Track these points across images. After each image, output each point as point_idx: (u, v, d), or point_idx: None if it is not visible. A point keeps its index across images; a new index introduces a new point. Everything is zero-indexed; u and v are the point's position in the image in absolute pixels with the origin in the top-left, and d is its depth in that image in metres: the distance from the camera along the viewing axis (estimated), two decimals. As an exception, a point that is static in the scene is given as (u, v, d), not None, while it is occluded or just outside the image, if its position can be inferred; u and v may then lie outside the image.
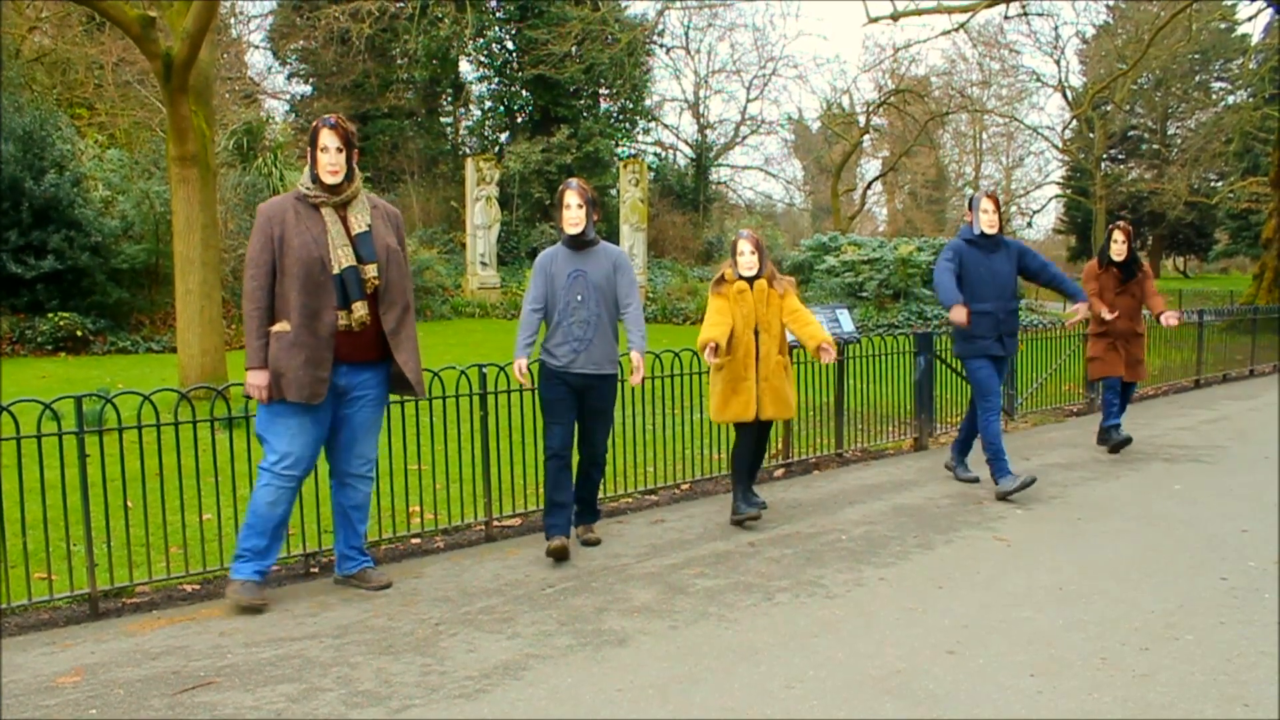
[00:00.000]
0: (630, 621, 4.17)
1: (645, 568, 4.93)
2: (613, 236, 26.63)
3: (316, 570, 4.99)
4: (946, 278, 6.35)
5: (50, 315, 14.84)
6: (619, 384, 5.48)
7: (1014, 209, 50.36)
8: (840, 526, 5.65)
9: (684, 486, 6.60)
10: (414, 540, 5.45)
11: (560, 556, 5.05)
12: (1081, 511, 5.92)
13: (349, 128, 4.48)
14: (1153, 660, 3.69)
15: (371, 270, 4.39)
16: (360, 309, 4.36)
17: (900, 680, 3.55)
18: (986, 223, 6.43)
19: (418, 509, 5.70)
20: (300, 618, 4.27)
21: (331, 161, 4.37)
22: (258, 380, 4.29)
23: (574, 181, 5.23)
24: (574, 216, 5.12)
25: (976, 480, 6.65)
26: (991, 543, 5.29)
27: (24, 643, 4.03)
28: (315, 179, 4.40)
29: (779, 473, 7.11)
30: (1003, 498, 6.21)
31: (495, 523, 5.66)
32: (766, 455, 7.20)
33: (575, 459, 5.38)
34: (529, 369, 5.29)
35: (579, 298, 5.11)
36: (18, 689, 3.55)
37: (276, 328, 4.30)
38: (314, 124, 4.46)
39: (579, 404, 5.23)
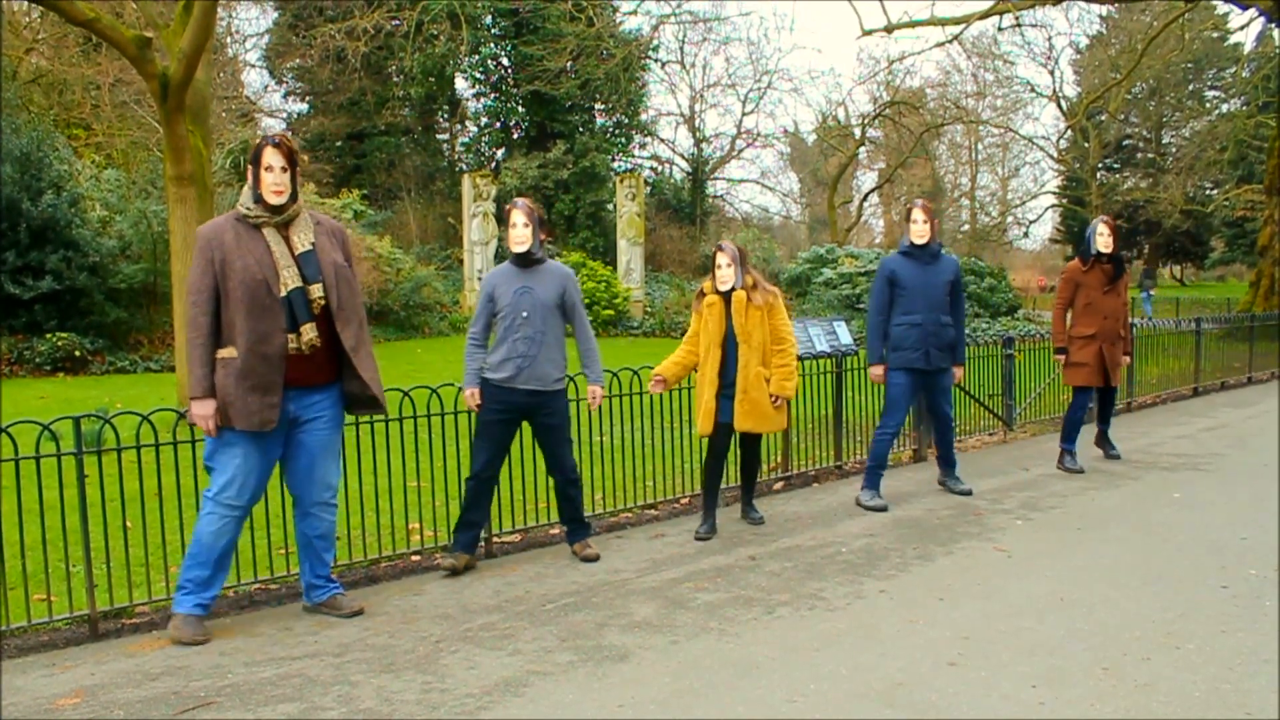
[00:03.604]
0: (631, 637, 4.16)
1: (645, 582, 4.92)
2: (610, 251, 26.69)
3: (316, 588, 4.98)
4: (874, 334, 6.49)
5: (48, 335, 14.85)
6: (576, 401, 5.48)
7: (1010, 219, 50.50)
8: (840, 539, 5.65)
9: (683, 501, 6.60)
10: (414, 557, 5.44)
11: (452, 574, 5.09)
12: (1081, 521, 5.92)
13: (293, 146, 4.31)
14: (1154, 669, 3.69)
15: (317, 290, 4.22)
16: (309, 331, 4.20)
17: (902, 692, 3.54)
18: (916, 233, 6.41)
19: (417, 526, 5.69)
20: (301, 636, 4.26)
21: (276, 181, 4.20)
22: (202, 410, 4.12)
23: (521, 201, 5.25)
24: (519, 235, 5.13)
25: (969, 492, 6.63)
26: (992, 553, 5.29)
27: (24, 665, 4.02)
28: (258, 199, 4.22)
29: (778, 485, 7.10)
30: (862, 504, 6.38)
31: (495, 539, 5.65)
32: (766, 467, 7.21)
33: (549, 479, 5.40)
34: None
35: (524, 314, 5.09)
36: (18, 711, 3.54)
37: (223, 354, 4.15)
38: (257, 142, 4.30)
39: (521, 425, 5.22)
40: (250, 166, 4.27)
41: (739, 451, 6.07)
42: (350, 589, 4.97)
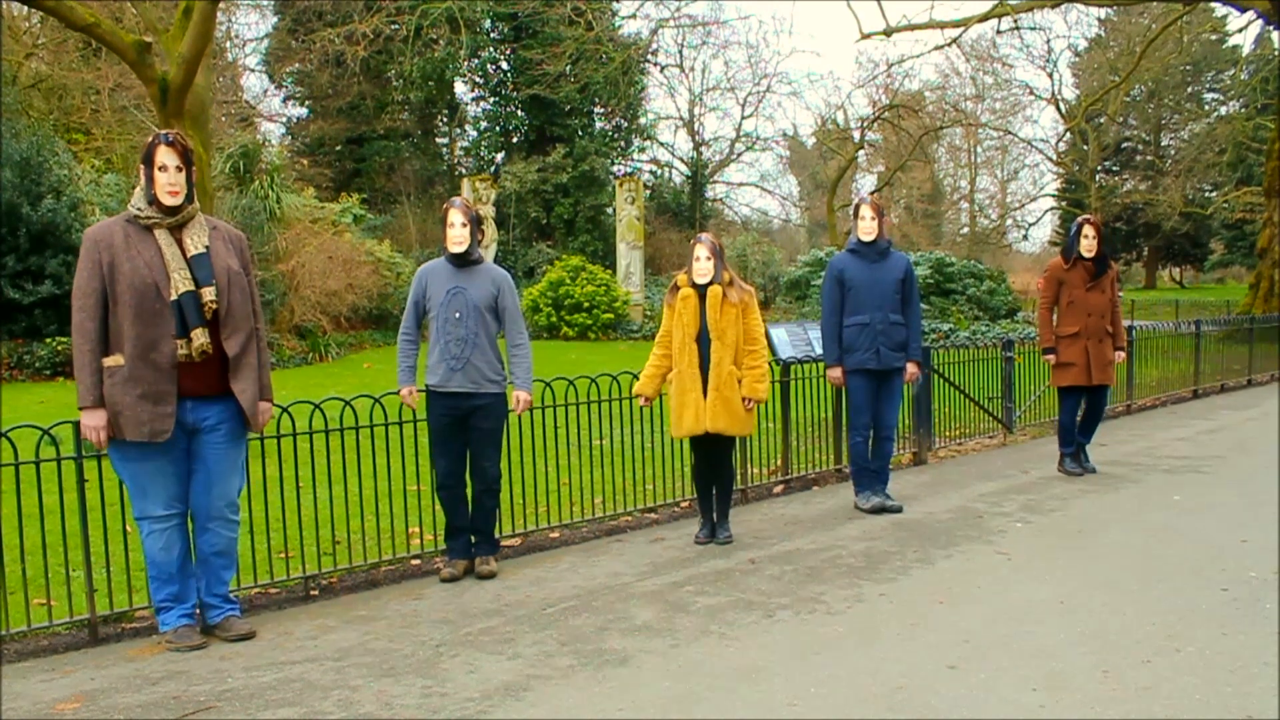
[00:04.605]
0: (631, 640, 4.16)
1: (645, 586, 4.92)
2: (609, 254, 26.68)
3: (316, 592, 4.98)
4: (828, 336, 6.42)
5: (48, 340, 14.83)
6: (506, 409, 5.30)
7: (1009, 222, 50.53)
8: (840, 543, 5.65)
9: (683, 504, 6.59)
10: (414, 562, 5.44)
11: (451, 581, 5.06)
12: (1082, 524, 5.91)
13: (188, 144, 4.16)
14: (1155, 673, 3.69)
15: (209, 294, 4.06)
16: (200, 337, 4.03)
17: (902, 696, 3.54)
18: (863, 230, 6.32)
19: (417, 530, 5.69)
20: (300, 641, 4.26)
21: (171, 181, 4.05)
22: (92, 421, 3.99)
23: (458, 200, 5.20)
24: (458, 235, 5.06)
25: (900, 509, 6.34)
26: (992, 556, 5.29)
27: (24, 669, 4.02)
28: (152, 200, 4.06)
29: (778, 489, 7.10)
30: (859, 508, 6.36)
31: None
32: (764, 471, 7.20)
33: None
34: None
35: (457, 315, 5.02)
36: (18, 716, 3.53)
37: (109, 361, 3.99)
38: (150, 140, 4.12)
39: (464, 428, 5.11)
40: (142, 166, 4.10)
41: (711, 458, 5.76)
42: (350, 593, 4.98)
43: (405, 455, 5.32)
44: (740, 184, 51.38)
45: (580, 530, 6.07)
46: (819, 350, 7.27)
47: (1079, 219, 7.34)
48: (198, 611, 4.36)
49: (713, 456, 5.74)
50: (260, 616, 4.63)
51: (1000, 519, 6.08)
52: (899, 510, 6.34)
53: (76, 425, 4.33)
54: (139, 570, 5.03)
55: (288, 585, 5.00)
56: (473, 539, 5.25)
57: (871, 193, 41.63)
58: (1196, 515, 6.04)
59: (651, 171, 37.33)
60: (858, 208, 6.46)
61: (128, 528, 4.66)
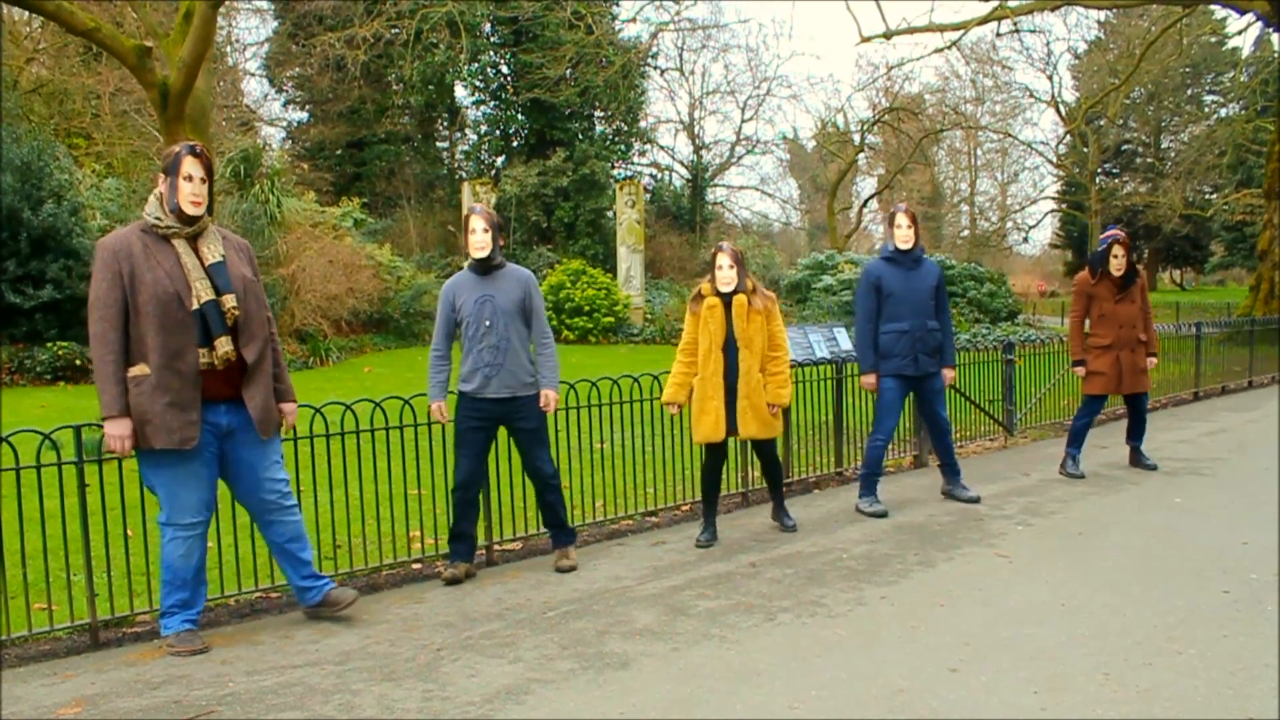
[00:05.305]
0: (632, 644, 4.16)
1: (646, 589, 4.92)
2: (610, 258, 26.69)
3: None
4: (864, 343, 6.45)
5: (49, 345, 14.83)
6: (539, 410, 5.29)
7: (1010, 224, 50.54)
8: (841, 545, 5.65)
9: (684, 508, 6.59)
10: (415, 565, 5.44)
11: (452, 583, 5.10)
12: (1082, 526, 5.91)
13: (211, 157, 4.26)
14: (1156, 675, 3.69)
15: (230, 301, 4.13)
16: (224, 344, 4.12)
17: (904, 699, 3.54)
18: (900, 238, 6.40)
19: (418, 534, 5.69)
20: (302, 645, 4.26)
21: (195, 191, 4.13)
22: (117, 430, 4.03)
23: (479, 206, 5.25)
24: (479, 241, 5.11)
25: (978, 499, 6.58)
26: (993, 559, 5.29)
27: (24, 674, 4.02)
28: (175, 209, 4.12)
29: (779, 492, 7.09)
30: (861, 511, 6.38)
31: (496, 547, 5.65)
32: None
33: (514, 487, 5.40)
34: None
35: (487, 323, 5.07)
36: (18, 721, 3.54)
37: (134, 371, 4.05)
38: (174, 150, 4.20)
39: (497, 431, 5.20)
40: (166, 175, 4.16)
41: (758, 460, 6.04)
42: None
43: (406, 459, 5.32)
44: (740, 187, 51.41)
45: (581, 533, 6.06)
46: (820, 354, 7.29)
47: (1108, 238, 7.31)
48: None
49: (760, 456, 5.97)
50: (261, 620, 4.64)
51: (1001, 521, 6.08)
52: (977, 500, 6.56)
53: (77, 430, 4.35)
54: (140, 574, 5.04)
55: (289, 589, 4.99)
56: (549, 534, 5.40)
57: (871, 195, 41.76)
58: (1197, 517, 6.04)
59: (652, 175, 37.39)
60: (893, 216, 6.52)
61: (128, 532, 4.67)
